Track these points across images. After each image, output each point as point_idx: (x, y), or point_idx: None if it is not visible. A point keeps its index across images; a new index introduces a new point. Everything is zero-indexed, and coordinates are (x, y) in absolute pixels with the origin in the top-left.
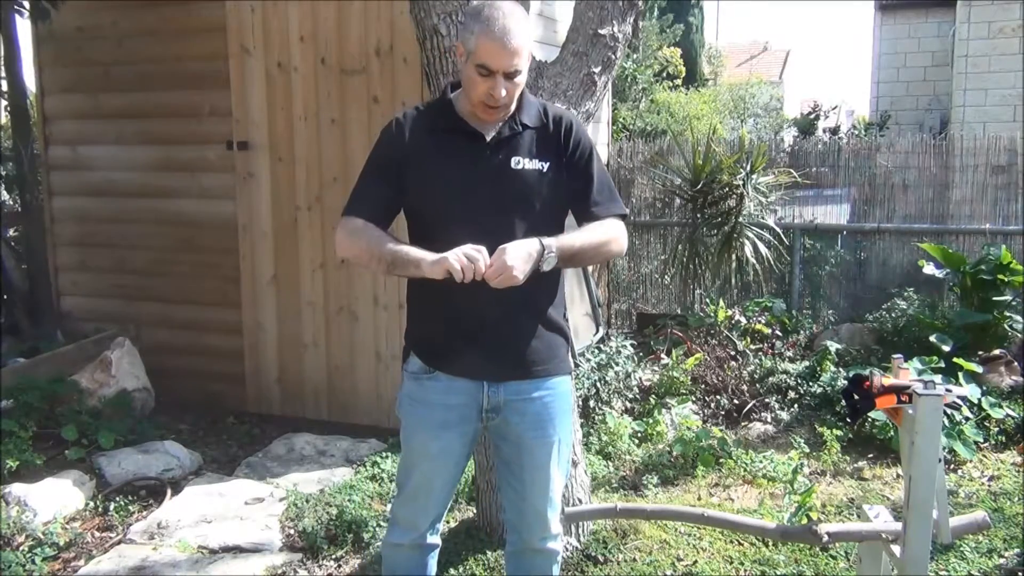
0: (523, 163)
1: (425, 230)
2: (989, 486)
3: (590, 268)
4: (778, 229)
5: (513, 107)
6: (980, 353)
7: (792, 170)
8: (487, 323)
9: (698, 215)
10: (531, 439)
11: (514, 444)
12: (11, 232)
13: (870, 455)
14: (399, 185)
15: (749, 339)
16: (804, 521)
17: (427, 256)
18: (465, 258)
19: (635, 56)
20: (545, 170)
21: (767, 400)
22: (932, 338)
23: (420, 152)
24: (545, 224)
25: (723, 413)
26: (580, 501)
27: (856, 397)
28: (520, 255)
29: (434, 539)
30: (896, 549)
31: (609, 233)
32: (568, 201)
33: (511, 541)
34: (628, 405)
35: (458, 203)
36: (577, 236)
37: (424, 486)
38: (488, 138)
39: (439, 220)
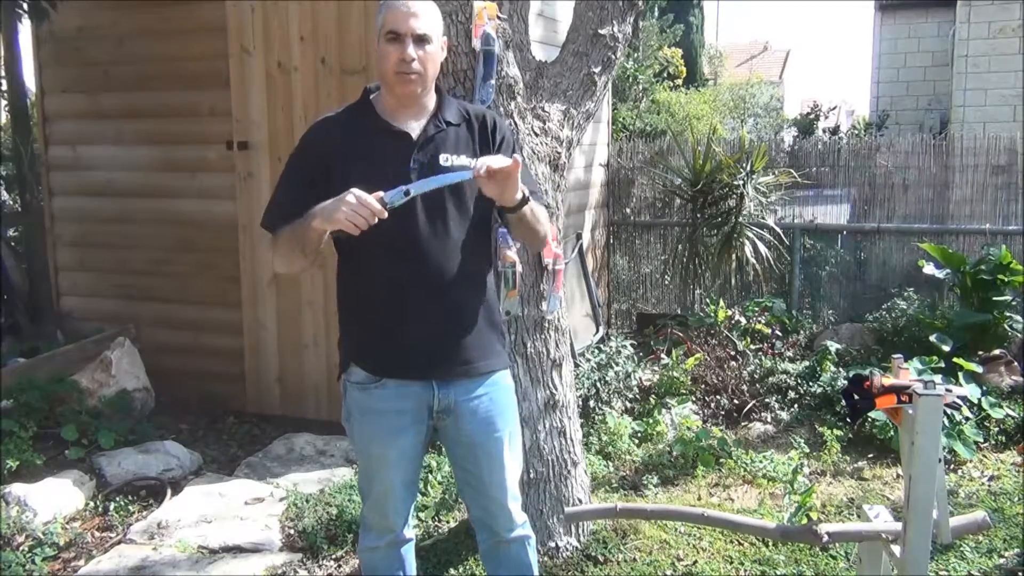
0: (451, 159)
1: (353, 235)
2: (989, 486)
3: (590, 268)
4: (778, 229)
5: (433, 98)
6: (980, 353)
7: (792, 170)
8: (433, 324)
9: (698, 215)
10: (483, 437)
11: (467, 446)
12: (11, 232)
13: (870, 455)
14: (324, 189)
15: (749, 339)
16: (804, 521)
17: (313, 212)
18: (357, 202)
19: (635, 55)
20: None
21: (767, 400)
22: (932, 338)
23: (345, 155)
24: (478, 222)
25: (723, 413)
26: (580, 501)
27: (856, 397)
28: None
29: (408, 533)
30: (896, 549)
31: (546, 215)
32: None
33: (482, 540)
34: (628, 405)
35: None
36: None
37: (389, 491)
38: (415, 136)
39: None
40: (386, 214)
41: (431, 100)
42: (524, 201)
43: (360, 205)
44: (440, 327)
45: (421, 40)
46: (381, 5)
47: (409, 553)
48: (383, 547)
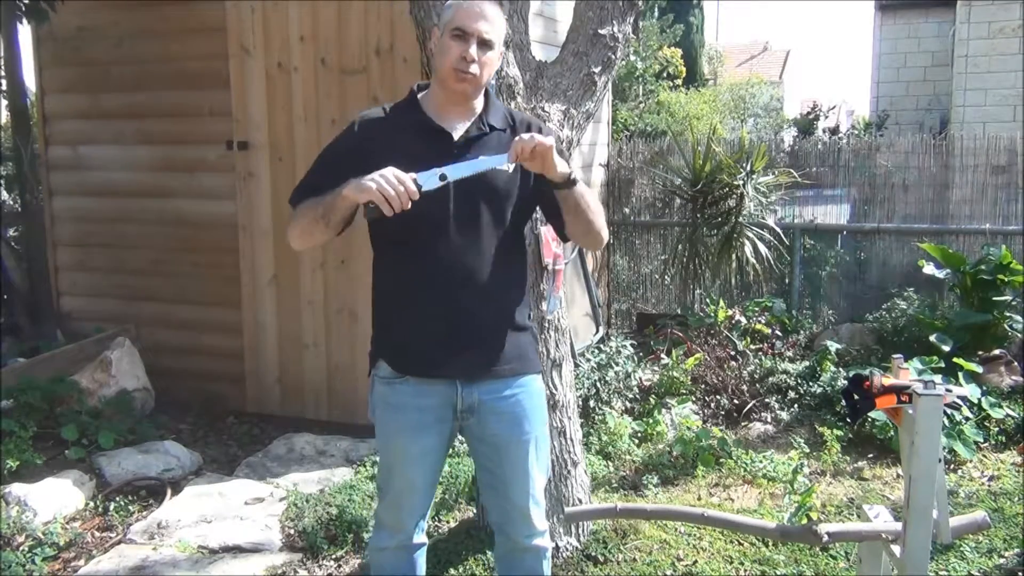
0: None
1: (389, 230)
2: (989, 486)
3: (590, 268)
4: (778, 229)
5: (481, 102)
6: (980, 353)
7: (792, 170)
8: (456, 324)
9: (698, 215)
10: (507, 438)
11: (491, 445)
12: (11, 232)
13: (870, 455)
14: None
15: (749, 339)
16: (804, 521)
17: (348, 182)
18: (394, 178)
19: (640, 54)
20: (512, 171)
21: (767, 400)
22: (932, 338)
23: (384, 149)
24: (513, 225)
25: (723, 413)
26: (580, 501)
27: (856, 397)
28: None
29: (420, 538)
30: (896, 549)
31: (602, 211)
32: (542, 203)
33: (499, 543)
34: (628, 405)
35: (425, 202)
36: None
37: (407, 489)
38: (456, 136)
39: (405, 219)
40: (418, 195)
41: (479, 103)
42: (572, 180)
43: (395, 181)
44: (459, 327)
45: (485, 44)
46: (449, 3)
47: (420, 558)
48: (392, 548)
